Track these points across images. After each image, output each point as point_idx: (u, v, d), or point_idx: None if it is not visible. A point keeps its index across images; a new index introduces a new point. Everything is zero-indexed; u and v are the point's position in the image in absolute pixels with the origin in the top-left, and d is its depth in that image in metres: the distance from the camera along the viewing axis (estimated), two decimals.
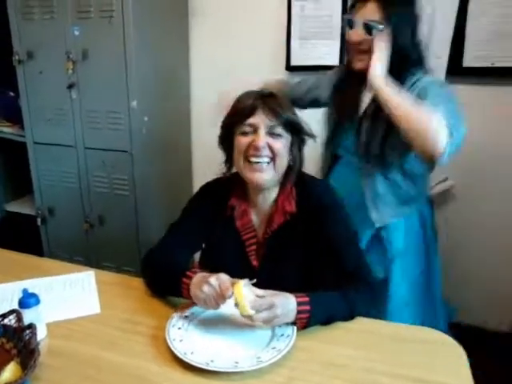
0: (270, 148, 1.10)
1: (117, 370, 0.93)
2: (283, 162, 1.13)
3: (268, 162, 1.11)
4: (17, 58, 2.08)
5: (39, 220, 2.32)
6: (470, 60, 1.94)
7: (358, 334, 1.04)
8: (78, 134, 2.11)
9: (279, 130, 1.10)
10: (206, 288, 0.99)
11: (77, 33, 1.94)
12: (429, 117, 1.16)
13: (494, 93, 1.98)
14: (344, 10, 2.05)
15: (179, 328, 1.03)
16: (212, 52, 2.37)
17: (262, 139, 1.09)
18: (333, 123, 1.52)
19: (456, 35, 1.94)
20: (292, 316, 0.99)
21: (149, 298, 1.18)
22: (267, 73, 2.30)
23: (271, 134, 1.10)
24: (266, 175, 1.11)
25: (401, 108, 1.20)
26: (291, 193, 1.17)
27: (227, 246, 1.22)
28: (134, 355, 0.97)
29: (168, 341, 0.97)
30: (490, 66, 1.92)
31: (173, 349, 0.95)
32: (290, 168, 1.16)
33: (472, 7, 1.89)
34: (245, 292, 0.96)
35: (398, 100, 1.21)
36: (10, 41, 2.08)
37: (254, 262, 1.20)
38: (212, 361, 0.92)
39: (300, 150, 1.18)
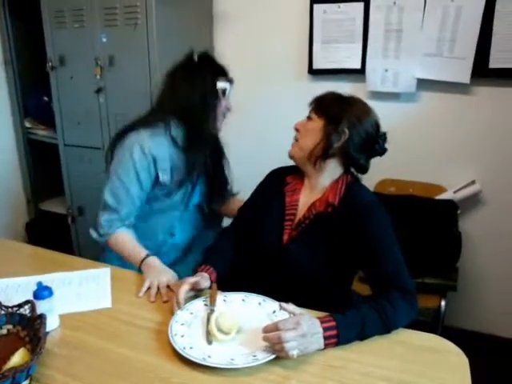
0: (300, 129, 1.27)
1: (120, 361, 0.98)
2: (306, 141, 1.24)
3: (296, 140, 1.28)
4: (50, 64, 2.20)
5: (69, 219, 2.44)
6: (496, 61, 1.89)
7: None
8: (105, 137, 2.19)
9: (312, 114, 1.25)
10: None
11: (104, 40, 2.03)
12: None
13: None
14: (366, 15, 2.05)
15: (182, 324, 1.06)
16: (235, 57, 2.40)
17: (299, 122, 1.29)
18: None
19: (482, 35, 1.88)
20: (320, 342, 0.98)
21: (158, 295, 1.22)
22: (291, 76, 2.32)
23: (308, 117, 1.27)
24: (293, 150, 1.28)
25: None
26: (340, 189, 1.24)
27: (271, 215, 1.31)
28: (137, 348, 1.01)
29: (169, 335, 1.01)
30: None
31: (173, 343, 0.98)
32: (346, 167, 1.26)
33: (499, 6, 1.84)
34: (212, 323, 1.02)
35: None
36: (45, 49, 2.20)
37: (285, 237, 1.26)
38: (209, 356, 0.95)
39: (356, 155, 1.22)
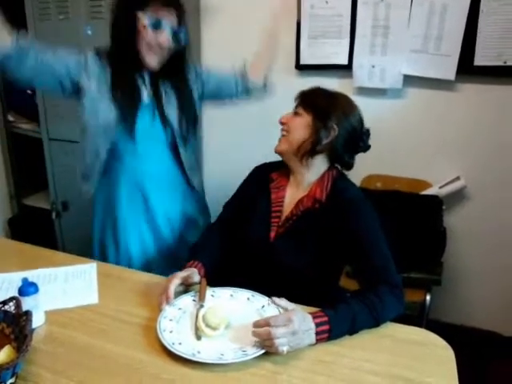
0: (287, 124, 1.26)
1: (107, 357, 0.97)
2: (294, 136, 1.23)
3: (283, 135, 1.26)
4: None
5: (54, 214, 2.40)
6: (481, 58, 1.91)
7: None
8: None
9: (300, 109, 1.23)
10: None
11: (89, 32, 2.00)
12: None
13: (507, 92, 1.94)
14: (354, 10, 2.05)
15: (171, 320, 1.05)
16: (222, 50, 2.39)
17: (285, 116, 1.27)
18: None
19: (467, 33, 1.90)
20: (312, 337, 0.98)
21: (146, 291, 1.21)
22: (278, 71, 2.31)
23: (295, 112, 1.26)
24: (281, 145, 1.26)
25: None
26: (327, 185, 1.23)
27: (256, 212, 1.31)
28: (125, 344, 1.00)
29: (158, 331, 1.00)
30: (502, 64, 1.89)
31: (162, 339, 0.97)
32: (331, 163, 1.26)
33: (484, 4, 1.85)
34: (199, 319, 1.02)
35: None
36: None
37: (272, 234, 1.26)
38: (199, 352, 0.95)
39: (344, 150, 1.23)
